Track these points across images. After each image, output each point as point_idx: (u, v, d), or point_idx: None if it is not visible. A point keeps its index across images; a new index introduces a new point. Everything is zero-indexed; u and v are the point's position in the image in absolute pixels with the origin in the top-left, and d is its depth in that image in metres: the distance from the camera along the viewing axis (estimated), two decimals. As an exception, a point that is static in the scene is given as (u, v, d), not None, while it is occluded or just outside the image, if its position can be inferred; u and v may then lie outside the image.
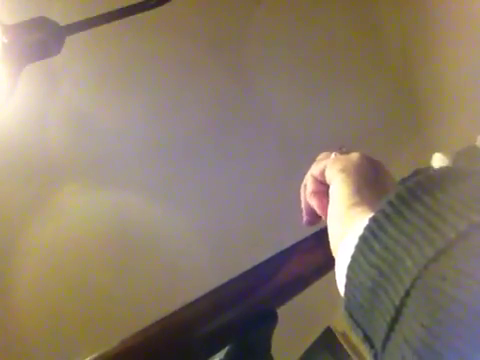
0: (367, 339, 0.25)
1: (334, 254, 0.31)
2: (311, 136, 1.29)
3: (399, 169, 0.44)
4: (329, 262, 0.36)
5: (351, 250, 0.25)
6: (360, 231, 0.24)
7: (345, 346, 1.72)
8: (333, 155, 0.41)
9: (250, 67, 1.36)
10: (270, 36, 1.36)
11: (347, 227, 0.29)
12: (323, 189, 0.38)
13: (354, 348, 1.70)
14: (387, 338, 0.22)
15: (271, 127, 1.40)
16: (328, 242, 0.32)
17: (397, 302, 0.21)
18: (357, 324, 0.26)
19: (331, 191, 0.34)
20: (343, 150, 0.40)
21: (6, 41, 0.54)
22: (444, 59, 1.39)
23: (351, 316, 0.26)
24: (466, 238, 0.19)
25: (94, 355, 0.29)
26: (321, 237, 0.35)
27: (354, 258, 0.25)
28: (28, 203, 1.25)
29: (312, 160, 0.42)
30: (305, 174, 0.41)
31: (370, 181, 0.33)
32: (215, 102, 1.35)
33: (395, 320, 0.21)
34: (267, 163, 1.38)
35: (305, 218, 0.43)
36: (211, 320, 0.32)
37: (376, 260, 0.23)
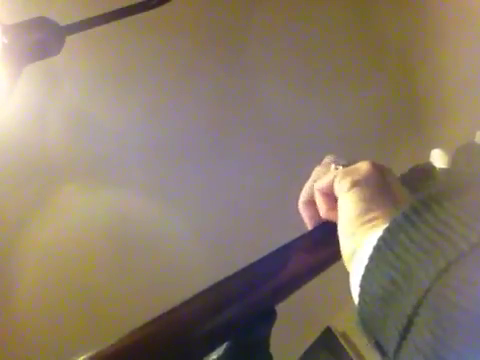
0: (379, 347, 0.26)
1: (347, 267, 0.31)
2: (311, 135, 1.30)
3: (398, 168, 0.44)
4: (328, 259, 0.36)
5: (365, 260, 0.25)
6: (374, 242, 0.25)
7: (345, 346, 1.72)
8: (333, 167, 0.40)
9: (250, 67, 1.36)
10: (270, 36, 1.36)
11: (362, 239, 0.30)
12: (332, 205, 0.37)
13: (354, 348, 1.70)
14: (399, 347, 0.22)
15: (271, 126, 1.40)
16: (326, 238, 0.32)
17: (409, 312, 0.21)
18: (369, 332, 0.26)
19: (341, 205, 0.34)
20: (343, 163, 0.40)
21: (6, 41, 0.54)
22: (443, 58, 1.39)
23: (364, 324, 0.27)
24: (477, 250, 0.20)
25: (91, 353, 0.29)
26: (320, 233, 0.35)
27: (368, 268, 0.25)
28: (28, 203, 1.25)
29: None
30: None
31: (381, 190, 0.33)
32: (215, 102, 1.35)
33: (407, 329, 0.21)
34: (266, 162, 1.38)
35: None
36: (209, 317, 0.32)
37: (389, 270, 0.23)
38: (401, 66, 1.49)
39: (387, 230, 0.25)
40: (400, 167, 0.44)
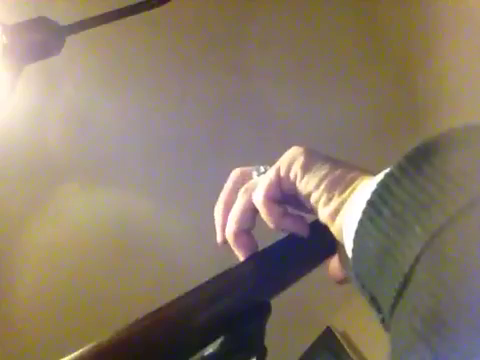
0: (374, 302, 0.25)
1: (330, 226, 0.30)
2: (311, 135, 1.29)
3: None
4: (323, 252, 0.36)
5: (358, 215, 0.24)
6: (368, 195, 0.24)
7: (345, 346, 1.72)
8: (255, 174, 0.37)
9: (250, 67, 1.36)
10: (270, 36, 1.36)
11: (349, 190, 0.28)
12: (285, 210, 0.35)
13: (354, 348, 1.70)
14: (395, 304, 0.21)
15: (271, 126, 1.40)
16: (322, 232, 0.31)
17: (406, 269, 0.20)
18: (364, 288, 0.25)
19: (309, 182, 0.31)
20: (262, 168, 0.37)
21: (6, 41, 0.54)
22: (443, 58, 1.39)
23: (358, 280, 0.26)
24: (478, 205, 0.19)
25: (87, 347, 0.30)
26: (313, 228, 0.35)
27: (362, 223, 0.24)
28: (28, 203, 1.25)
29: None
30: None
31: (334, 160, 0.31)
32: (215, 102, 1.35)
33: (404, 286, 0.20)
34: (266, 162, 1.37)
35: (222, 239, 0.39)
36: (203, 311, 0.32)
37: (385, 225, 0.22)
38: (401, 66, 1.49)
39: (381, 183, 0.23)
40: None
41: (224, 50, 1.33)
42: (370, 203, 0.23)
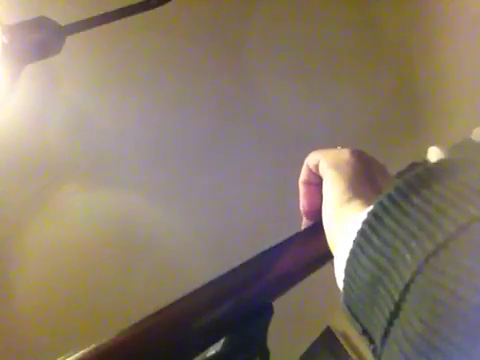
0: (366, 334, 0.25)
1: (332, 250, 0.31)
2: (311, 135, 1.29)
3: (398, 168, 0.44)
4: (325, 254, 0.36)
5: (349, 245, 0.25)
6: (358, 225, 0.24)
7: (345, 346, 1.72)
8: None
9: (250, 67, 1.36)
10: (270, 36, 1.36)
11: (344, 222, 0.29)
12: (315, 180, 0.39)
13: (354, 348, 1.70)
14: (386, 333, 0.21)
15: (271, 126, 1.40)
16: (324, 234, 0.32)
17: (397, 297, 0.21)
18: (356, 319, 0.26)
19: (324, 188, 0.34)
20: (338, 148, 0.40)
21: (6, 41, 0.54)
22: (443, 58, 1.39)
23: (350, 310, 0.26)
24: (466, 232, 0.19)
25: (90, 347, 0.30)
26: (316, 230, 0.35)
27: (353, 253, 0.24)
28: (28, 203, 1.25)
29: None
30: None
31: (361, 177, 0.33)
32: (215, 102, 1.35)
33: (394, 315, 0.21)
34: (266, 162, 1.38)
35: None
36: (206, 312, 0.32)
37: (375, 254, 0.23)
38: (401, 66, 1.49)
39: (372, 213, 0.24)
40: (400, 167, 0.44)
41: (224, 49, 1.33)
42: (361, 233, 0.24)
